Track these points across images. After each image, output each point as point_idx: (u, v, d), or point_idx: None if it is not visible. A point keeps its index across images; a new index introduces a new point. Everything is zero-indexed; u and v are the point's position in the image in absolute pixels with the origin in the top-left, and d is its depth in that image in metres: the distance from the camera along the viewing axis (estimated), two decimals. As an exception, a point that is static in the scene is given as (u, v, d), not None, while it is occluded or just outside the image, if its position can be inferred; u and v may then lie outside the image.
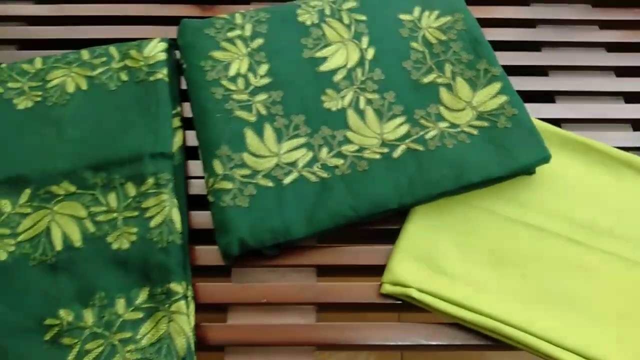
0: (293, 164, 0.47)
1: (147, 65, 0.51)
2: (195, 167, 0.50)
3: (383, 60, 0.52)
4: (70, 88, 0.51)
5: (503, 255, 0.45)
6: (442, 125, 0.48)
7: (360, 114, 0.49)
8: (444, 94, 0.50)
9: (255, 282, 0.45)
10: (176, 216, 0.44)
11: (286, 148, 0.47)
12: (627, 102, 0.56)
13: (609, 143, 0.51)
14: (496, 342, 0.42)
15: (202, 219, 0.48)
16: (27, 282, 0.43)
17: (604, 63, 0.58)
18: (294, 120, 0.49)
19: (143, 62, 0.52)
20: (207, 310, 0.44)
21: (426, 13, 0.55)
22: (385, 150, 0.47)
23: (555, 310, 0.42)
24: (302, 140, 0.48)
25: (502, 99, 0.49)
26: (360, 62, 0.52)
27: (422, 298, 0.42)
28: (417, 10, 0.55)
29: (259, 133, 0.48)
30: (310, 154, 0.47)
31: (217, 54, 0.52)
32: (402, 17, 0.55)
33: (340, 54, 0.53)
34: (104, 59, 0.53)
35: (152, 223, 0.44)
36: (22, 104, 0.51)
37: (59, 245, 0.44)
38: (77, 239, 0.44)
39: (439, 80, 0.51)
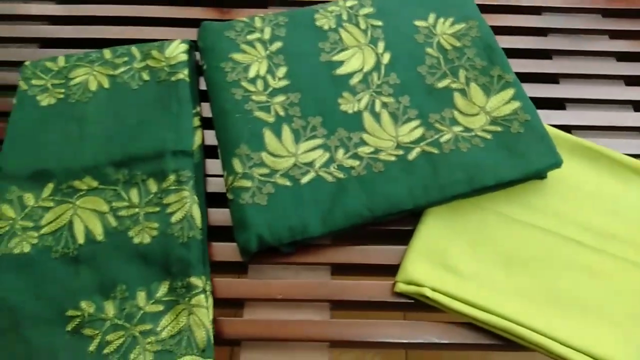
0: (310, 164, 0.48)
1: (169, 66, 0.53)
2: (212, 165, 0.51)
3: (398, 65, 0.53)
4: (93, 86, 0.52)
5: (514, 257, 0.46)
6: (457, 129, 0.49)
7: (376, 116, 0.50)
8: (458, 98, 0.51)
9: (271, 278, 0.46)
10: (196, 212, 0.45)
11: (303, 148, 0.49)
12: (636, 110, 0.57)
13: (617, 150, 0.52)
14: (507, 341, 0.43)
15: (219, 216, 0.49)
16: (49, 274, 0.44)
17: (614, 72, 0.59)
18: (311, 122, 0.50)
19: (165, 62, 0.53)
20: (223, 305, 0.45)
21: (441, 20, 0.56)
22: (401, 152, 0.48)
23: (564, 311, 0.43)
24: (319, 141, 0.49)
25: (515, 104, 0.50)
26: (376, 67, 0.53)
27: (436, 297, 0.43)
28: (432, 17, 0.56)
29: (277, 133, 0.49)
30: (327, 155, 0.48)
31: (237, 56, 0.53)
32: (418, 23, 0.56)
33: (356, 58, 0.54)
34: (125, 58, 0.54)
35: (173, 219, 0.45)
36: (45, 100, 0.52)
37: (81, 238, 0.45)
38: (99, 233, 0.45)
39: (453, 86, 0.52)
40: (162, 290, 0.43)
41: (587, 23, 0.63)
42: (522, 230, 0.47)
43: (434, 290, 0.43)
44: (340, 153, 0.48)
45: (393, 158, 0.48)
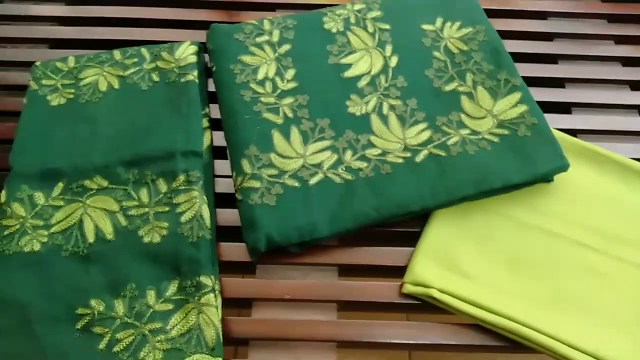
0: (318, 165, 0.48)
1: (179, 67, 0.53)
2: (220, 166, 0.52)
3: (406, 68, 0.54)
4: (103, 87, 0.53)
5: (521, 259, 0.46)
6: (464, 132, 0.50)
7: (384, 119, 0.51)
8: (465, 102, 0.52)
9: (279, 278, 0.46)
10: (206, 212, 0.46)
11: (312, 150, 0.49)
12: (641, 115, 0.57)
13: (623, 154, 0.52)
14: (514, 343, 0.43)
15: (226, 216, 0.49)
16: (59, 272, 0.44)
17: (619, 77, 0.60)
18: (320, 124, 0.50)
19: (174, 64, 0.53)
20: (231, 304, 0.45)
21: (448, 24, 0.57)
22: (408, 154, 0.49)
23: (571, 313, 0.44)
24: (327, 143, 0.49)
25: (522, 108, 0.50)
26: (384, 70, 0.54)
27: (443, 298, 0.43)
28: (439, 21, 0.57)
29: (286, 135, 0.50)
30: (335, 157, 0.49)
31: (246, 58, 0.54)
32: (425, 27, 0.57)
33: (364, 61, 0.54)
34: (135, 59, 0.55)
35: (183, 218, 0.45)
36: (56, 100, 0.53)
37: (91, 237, 0.45)
38: (109, 232, 0.45)
39: (461, 89, 0.52)
40: (172, 289, 0.43)
41: (592, 28, 0.63)
42: (528, 233, 0.47)
43: (441, 291, 0.44)
44: (348, 155, 0.49)
45: (400, 160, 0.49)
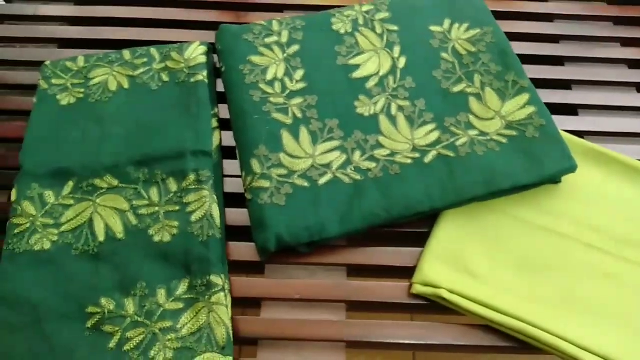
0: (328, 165, 0.48)
1: (188, 67, 0.53)
2: (229, 166, 0.52)
3: (414, 69, 0.54)
4: (113, 86, 0.53)
5: (529, 260, 0.46)
6: (472, 133, 0.50)
7: (392, 120, 0.51)
8: (473, 103, 0.52)
9: (288, 278, 0.46)
10: (216, 212, 0.46)
11: (321, 150, 0.49)
12: (648, 117, 0.58)
13: (629, 155, 0.52)
14: (523, 344, 0.43)
15: (235, 216, 0.49)
16: (69, 271, 0.44)
17: (626, 79, 0.60)
18: (329, 124, 0.51)
19: (184, 64, 0.54)
20: (240, 304, 0.45)
21: (456, 25, 0.57)
22: (417, 155, 0.49)
23: (580, 315, 0.44)
24: (336, 143, 0.50)
25: (530, 109, 0.51)
26: (392, 71, 0.54)
27: (453, 299, 0.43)
28: (447, 23, 0.57)
29: (295, 135, 0.50)
30: (344, 157, 0.49)
31: (255, 59, 0.54)
32: (433, 28, 0.57)
33: (372, 62, 0.55)
34: (145, 59, 0.55)
35: (193, 217, 0.45)
36: (65, 100, 0.53)
37: (101, 236, 0.45)
38: (119, 231, 0.46)
39: (469, 90, 0.53)
40: (182, 288, 0.43)
41: (599, 31, 0.64)
42: (537, 234, 0.47)
43: (450, 292, 0.44)
44: (357, 155, 0.49)
45: (409, 161, 0.49)
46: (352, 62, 0.55)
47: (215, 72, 0.57)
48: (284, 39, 0.56)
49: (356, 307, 0.47)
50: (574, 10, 0.65)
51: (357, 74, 0.54)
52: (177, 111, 0.51)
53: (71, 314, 0.42)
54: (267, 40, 0.56)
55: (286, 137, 0.50)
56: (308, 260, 0.47)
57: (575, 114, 0.58)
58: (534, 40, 0.62)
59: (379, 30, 0.57)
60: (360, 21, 0.57)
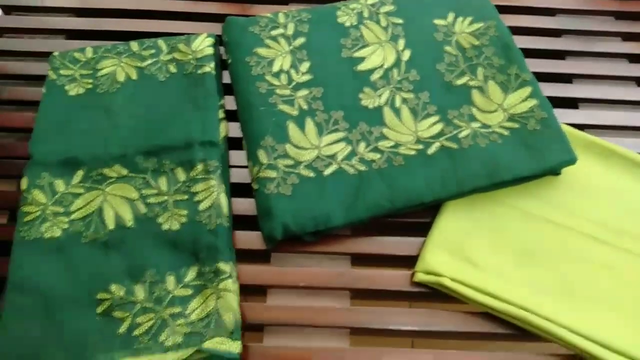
0: (333, 156, 0.49)
1: (195, 59, 0.54)
2: (235, 156, 0.53)
3: (418, 62, 0.55)
4: (121, 77, 0.54)
5: (529, 250, 0.47)
6: (475, 125, 0.51)
7: (396, 112, 0.52)
8: (476, 96, 0.53)
9: (294, 266, 0.47)
10: (224, 201, 0.47)
11: (326, 141, 0.50)
12: (647, 111, 0.59)
13: (629, 149, 0.53)
14: (523, 331, 0.45)
15: (241, 205, 0.50)
16: (80, 258, 0.45)
17: (626, 73, 0.61)
18: (334, 116, 0.51)
19: (191, 55, 0.54)
20: (247, 292, 0.46)
21: (460, 19, 0.58)
22: (420, 147, 0.50)
23: (579, 303, 0.45)
24: (341, 134, 0.50)
25: (532, 102, 0.52)
26: (397, 63, 0.55)
27: (454, 286, 0.45)
28: (451, 16, 0.58)
29: (301, 126, 0.51)
30: (349, 148, 0.50)
31: (262, 51, 0.55)
32: (437, 22, 0.57)
33: (377, 55, 0.55)
34: (152, 51, 0.56)
35: (201, 206, 0.46)
36: (74, 90, 0.54)
37: (111, 224, 0.46)
38: (128, 219, 0.46)
39: (472, 83, 0.53)
40: (191, 275, 0.44)
41: (600, 25, 0.64)
42: (537, 224, 0.48)
43: (452, 280, 0.45)
44: (361, 146, 0.50)
45: (413, 152, 0.50)
46: (357, 54, 0.55)
47: (221, 64, 0.57)
48: (290, 31, 0.57)
49: (360, 294, 0.48)
50: (575, 5, 0.66)
51: (362, 67, 0.55)
52: (185, 102, 0.52)
53: (82, 300, 0.43)
54: (273, 32, 0.56)
55: (292, 129, 0.50)
56: (313, 249, 0.48)
57: (576, 107, 0.59)
58: (536, 34, 0.63)
59: (383, 23, 0.57)
60: (365, 14, 0.58)
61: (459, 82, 0.54)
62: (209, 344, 0.40)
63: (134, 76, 0.54)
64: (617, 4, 0.66)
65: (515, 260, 0.47)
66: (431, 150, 0.50)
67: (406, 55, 0.55)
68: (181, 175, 0.48)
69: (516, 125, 0.51)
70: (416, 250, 0.48)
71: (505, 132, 0.50)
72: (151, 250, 0.45)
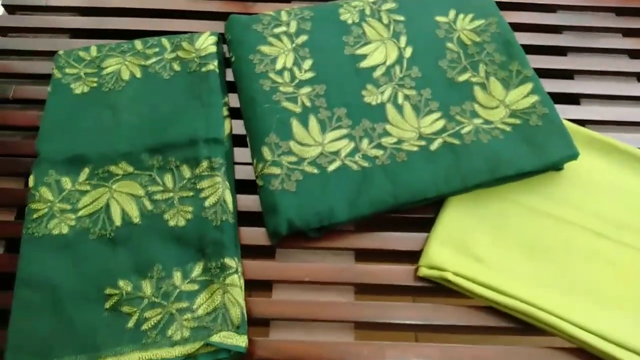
0: (336, 153, 0.50)
1: (199, 57, 0.55)
2: (239, 153, 0.53)
3: (420, 59, 0.55)
4: (126, 75, 0.54)
5: (532, 244, 0.48)
6: (477, 121, 0.51)
7: (399, 108, 0.52)
8: (478, 92, 0.53)
9: (298, 262, 0.48)
10: (229, 197, 0.47)
11: (329, 138, 0.50)
12: (648, 106, 0.59)
13: (630, 144, 0.53)
14: (526, 325, 0.45)
15: (245, 202, 0.50)
16: (87, 254, 0.46)
17: (627, 69, 0.61)
18: (337, 113, 0.52)
19: (195, 53, 0.55)
20: (252, 287, 0.47)
21: (461, 16, 0.58)
22: (423, 143, 0.50)
23: (581, 297, 0.45)
24: (344, 131, 0.51)
25: (534, 98, 0.52)
26: (399, 60, 0.55)
27: (457, 281, 0.45)
28: (452, 13, 0.58)
29: (304, 123, 0.51)
30: (352, 145, 0.50)
31: (265, 49, 0.55)
32: (439, 19, 0.58)
33: (379, 52, 0.56)
34: (156, 49, 0.56)
35: (207, 203, 0.47)
36: (79, 89, 0.54)
37: (118, 221, 0.47)
38: (135, 215, 0.47)
39: (474, 80, 0.54)
40: (197, 270, 0.45)
41: (600, 21, 0.65)
42: (539, 219, 0.49)
43: (455, 274, 0.45)
44: (364, 143, 0.50)
45: (416, 148, 0.50)
46: (360, 52, 0.56)
47: (224, 62, 0.58)
48: (293, 29, 0.57)
49: (364, 289, 0.48)
50: (576, 1, 0.66)
51: (365, 64, 0.55)
52: (189, 100, 0.52)
53: (90, 296, 0.44)
54: (276, 30, 0.57)
55: (296, 126, 0.51)
56: (317, 245, 0.49)
57: (578, 103, 0.59)
58: (537, 30, 0.63)
59: (385, 21, 0.58)
60: (367, 11, 0.58)
61: (461, 78, 0.54)
62: (216, 338, 0.41)
63: (139, 74, 0.54)
64: (617, 0, 0.66)
65: (518, 254, 0.47)
66: (434, 146, 0.50)
67: (408, 52, 0.56)
68: (186, 172, 0.49)
69: (518, 121, 0.51)
70: (419, 245, 0.49)
71: (507, 128, 0.51)
72: (158, 246, 0.45)
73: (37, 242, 0.46)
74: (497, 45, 0.56)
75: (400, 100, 0.53)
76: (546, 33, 0.64)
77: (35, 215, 0.47)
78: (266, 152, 0.49)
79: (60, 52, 0.56)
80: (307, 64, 0.55)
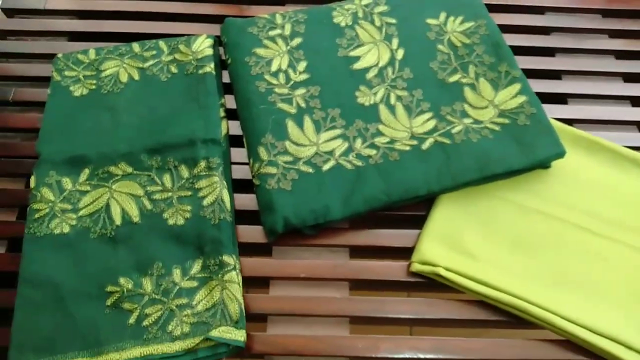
0: (330, 152, 0.51)
1: (196, 60, 0.56)
2: (235, 153, 0.54)
3: (412, 61, 0.57)
4: (124, 78, 0.55)
5: (521, 240, 0.49)
6: (467, 121, 0.53)
7: (391, 109, 0.54)
8: (468, 92, 0.55)
9: (294, 259, 0.49)
10: (226, 196, 0.48)
11: (324, 138, 0.52)
12: (633, 105, 0.61)
13: (615, 142, 0.55)
14: (516, 319, 0.47)
15: (243, 201, 0.52)
16: (89, 253, 0.47)
17: (613, 69, 0.63)
18: (331, 114, 0.53)
19: (192, 56, 0.56)
20: (250, 283, 0.48)
21: (451, 18, 0.59)
22: (415, 142, 0.52)
23: (570, 291, 0.47)
24: (338, 131, 0.52)
25: (522, 98, 0.53)
26: (391, 62, 0.57)
27: (449, 276, 0.46)
28: (443, 16, 0.60)
29: (299, 124, 0.52)
30: (346, 144, 0.51)
31: (260, 51, 0.56)
32: (429, 21, 0.59)
33: (372, 54, 0.57)
34: (154, 52, 0.57)
35: (205, 202, 0.48)
36: (78, 91, 0.55)
37: (118, 220, 0.48)
38: (135, 215, 0.48)
39: (464, 80, 0.55)
40: (196, 267, 0.46)
41: (588, 23, 0.66)
42: (528, 216, 0.50)
43: (447, 269, 0.47)
44: (358, 143, 0.52)
45: (408, 148, 0.51)
46: (353, 53, 0.57)
47: (221, 64, 0.59)
48: (287, 31, 0.58)
49: (358, 285, 0.50)
50: (564, 3, 0.67)
51: (358, 65, 0.56)
52: (187, 102, 0.54)
53: (92, 293, 0.45)
54: (271, 33, 0.58)
55: (291, 126, 0.52)
56: (313, 242, 0.50)
57: (565, 102, 0.61)
58: (525, 32, 0.65)
59: (377, 23, 0.59)
60: (360, 14, 0.60)
61: (451, 79, 0.55)
62: (215, 333, 0.42)
63: (137, 77, 0.56)
64: (604, 2, 0.68)
65: (507, 250, 0.49)
66: (425, 145, 0.52)
67: (400, 54, 0.57)
68: (185, 172, 0.50)
69: (507, 121, 0.52)
70: (412, 242, 0.50)
71: (496, 128, 0.52)
72: (157, 245, 0.47)
73: (38, 242, 0.47)
74: (486, 47, 0.57)
75: (392, 100, 0.54)
76: (535, 34, 0.65)
77: (36, 215, 0.48)
78: (262, 152, 0.50)
79: (59, 55, 0.57)
80: (302, 65, 0.56)
